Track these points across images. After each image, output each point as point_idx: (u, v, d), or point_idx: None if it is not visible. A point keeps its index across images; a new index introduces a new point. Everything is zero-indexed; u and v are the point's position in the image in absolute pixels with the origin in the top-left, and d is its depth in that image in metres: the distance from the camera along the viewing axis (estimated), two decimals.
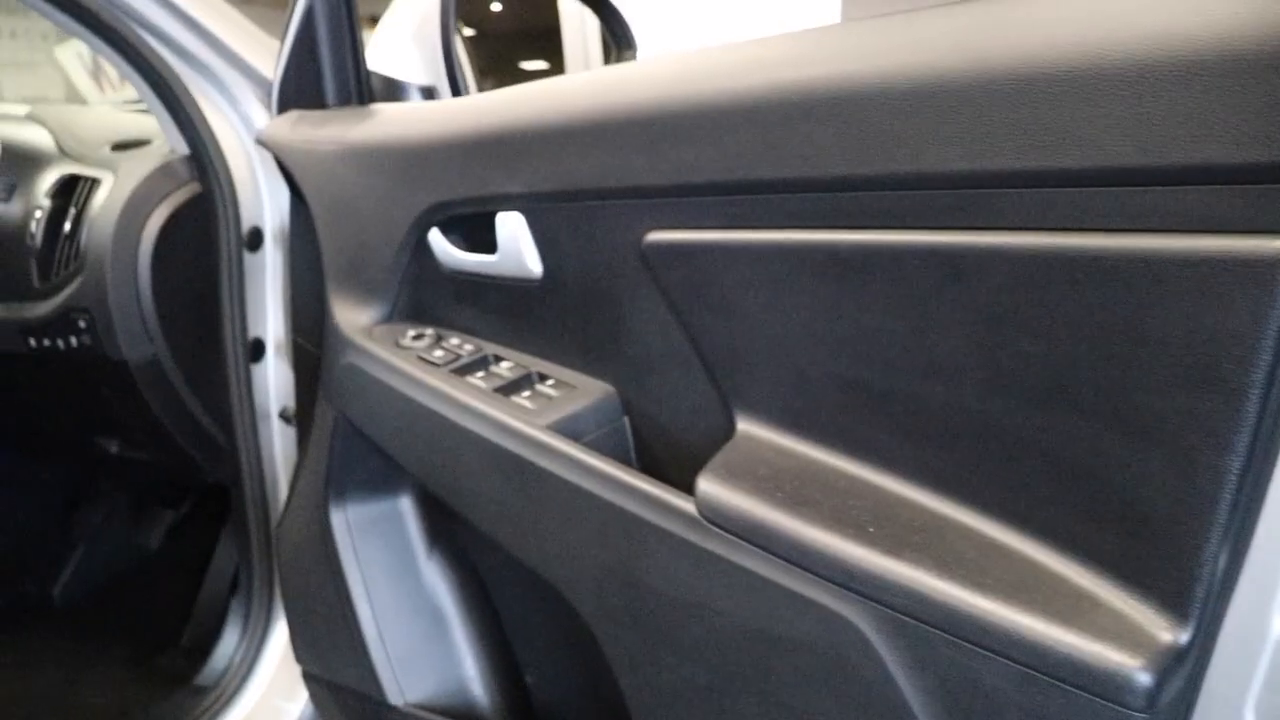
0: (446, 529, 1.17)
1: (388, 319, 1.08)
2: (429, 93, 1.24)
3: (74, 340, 1.36)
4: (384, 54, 1.23)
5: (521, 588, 1.12)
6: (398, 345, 1.01)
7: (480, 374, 0.95)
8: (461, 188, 0.95)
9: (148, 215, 1.34)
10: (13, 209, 1.42)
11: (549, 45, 1.63)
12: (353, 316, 1.08)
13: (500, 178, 0.90)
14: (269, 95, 1.40)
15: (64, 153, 1.46)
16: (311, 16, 1.16)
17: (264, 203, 1.43)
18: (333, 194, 1.09)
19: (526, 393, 0.92)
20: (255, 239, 1.42)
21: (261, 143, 1.20)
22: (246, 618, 1.55)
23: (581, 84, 0.86)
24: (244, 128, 1.41)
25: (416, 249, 1.03)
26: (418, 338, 1.02)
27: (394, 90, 1.23)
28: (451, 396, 0.92)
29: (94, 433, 1.56)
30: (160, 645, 1.87)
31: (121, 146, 1.47)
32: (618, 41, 1.36)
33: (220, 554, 1.91)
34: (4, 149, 1.45)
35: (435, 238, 1.00)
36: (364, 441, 1.09)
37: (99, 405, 1.46)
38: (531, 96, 0.91)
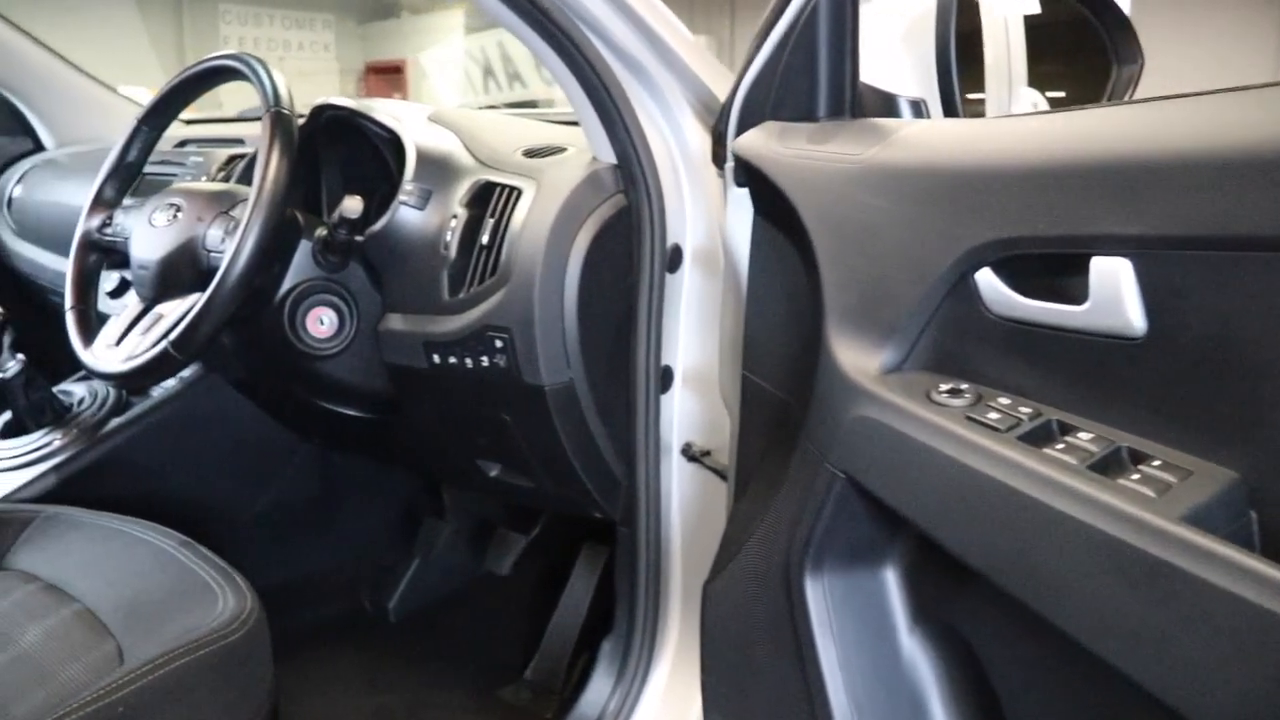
0: (934, 604, 1.03)
1: (898, 366, 0.94)
2: (918, 107, 1.11)
3: (485, 360, 1.29)
4: (869, 61, 1.11)
5: (1050, 683, 0.97)
6: (929, 400, 0.87)
7: (1058, 446, 0.80)
8: (1040, 224, 0.81)
9: (577, 229, 1.26)
10: (429, 218, 1.36)
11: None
12: (860, 361, 0.94)
13: (1107, 216, 0.75)
14: (700, 102, 1.31)
15: (476, 158, 1.40)
16: (815, 18, 1.04)
17: (686, 219, 1.32)
18: (841, 218, 0.97)
19: (1135, 475, 0.76)
20: (675, 258, 1.32)
21: (738, 155, 1.09)
22: (624, 664, 1.46)
23: (1241, 105, 0.70)
24: (674, 137, 1.31)
25: (954, 289, 0.89)
26: (953, 393, 0.87)
27: (883, 103, 1.10)
28: (1031, 470, 0.78)
29: (477, 455, 1.49)
30: (502, 676, 1.82)
31: (532, 153, 1.39)
32: (1119, 55, 1.20)
33: (575, 586, 1.84)
34: (418, 154, 1.39)
35: (986, 278, 0.86)
36: (861, 504, 0.95)
37: (493, 428, 1.39)
38: (1161, 118, 0.76)
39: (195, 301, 1.32)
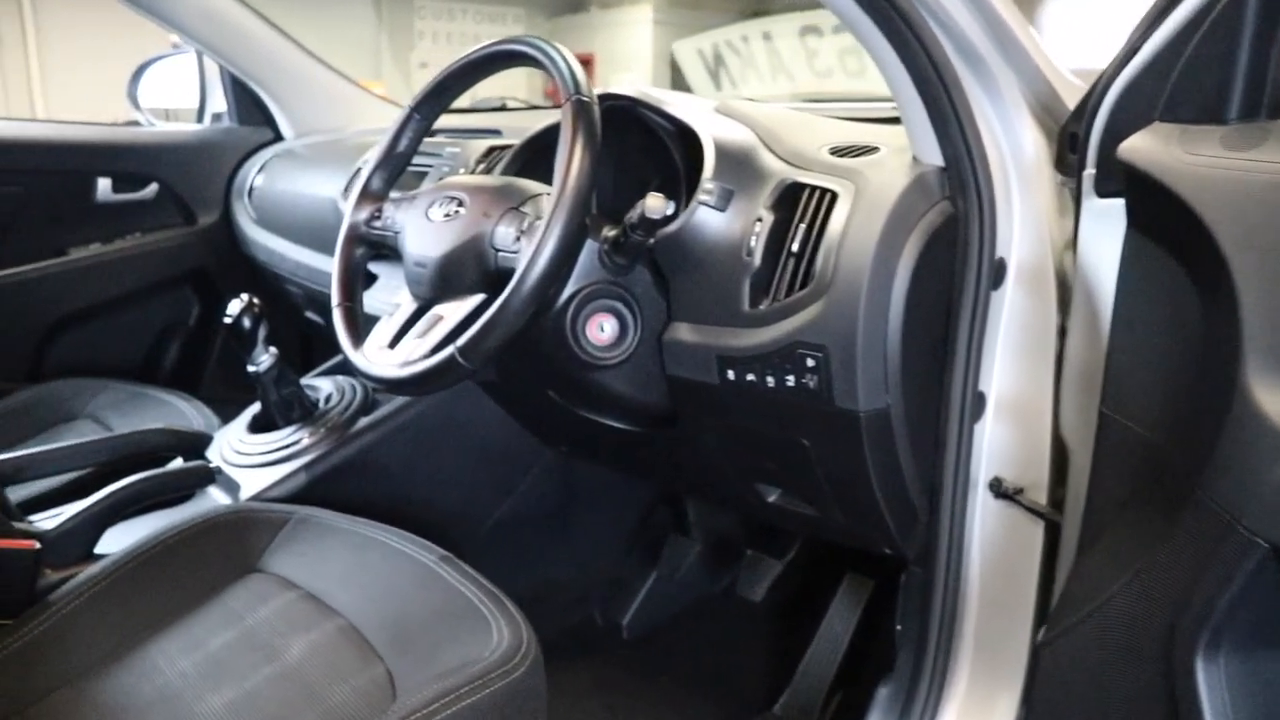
0: None
1: None
2: None
3: (790, 380, 1.18)
4: None
5: None
6: None
7: None
8: None
9: (905, 239, 1.14)
10: (731, 221, 1.25)
11: None
12: None
13: None
14: (1037, 100, 1.18)
15: (777, 156, 1.29)
16: (1241, 6, 0.90)
17: (1014, 230, 1.20)
18: (1274, 240, 0.83)
19: None
20: (999, 274, 1.20)
21: (1126, 162, 0.96)
22: (905, 713, 1.34)
23: None
24: (1007, 139, 1.19)
25: None
26: None
27: None
28: None
29: (757, 479, 1.39)
30: (748, 707, 1.73)
31: (840, 152, 1.28)
32: None
33: (834, 619, 1.74)
34: (717, 150, 1.30)
35: None
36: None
37: (786, 453, 1.29)
38: None
39: (479, 304, 1.25)
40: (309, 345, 2.69)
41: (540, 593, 1.94)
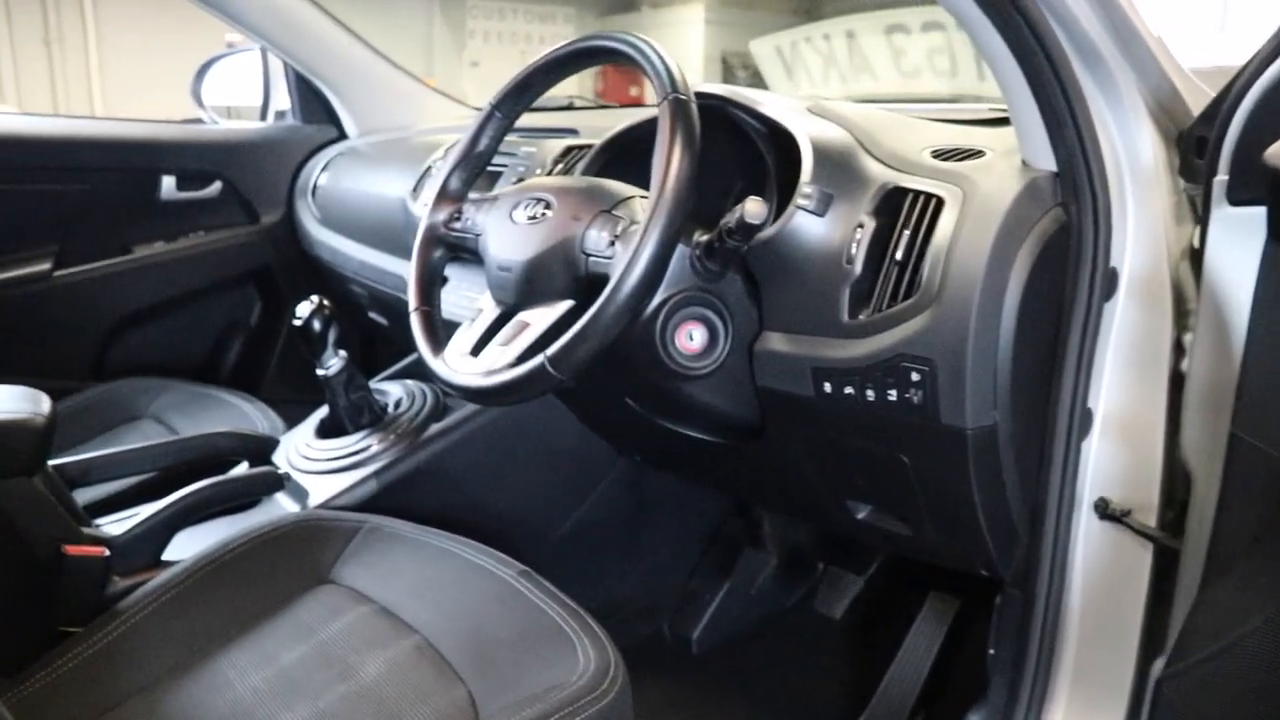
0: None
1: None
2: None
3: (892, 394, 1.13)
4: None
5: None
6: None
7: None
8: None
9: (1017, 248, 1.09)
10: (830, 227, 1.20)
11: None
12: None
13: None
14: (1157, 102, 1.12)
15: (876, 159, 1.24)
16: None
17: (1128, 239, 1.14)
18: None
19: None
20: (1111, 284, 1.14)
21: (1274, 167, 0.90)
22: None
23: None
24: (1123, 143, 1.13)
25: None
26: None
27: None
28: None
29: (848, 495, 1.34)
30: None
31: (943, 155, 1.22)
32: None
33: (916, 639, 1.68)
34: (814, 152, 1.24)
35: None
36: None
37: (881, 469, 1.23)
38: None
39: (567, 311, 1.20)
40: (371, 347, 2.66)
41: (608, 605, 1.91)
